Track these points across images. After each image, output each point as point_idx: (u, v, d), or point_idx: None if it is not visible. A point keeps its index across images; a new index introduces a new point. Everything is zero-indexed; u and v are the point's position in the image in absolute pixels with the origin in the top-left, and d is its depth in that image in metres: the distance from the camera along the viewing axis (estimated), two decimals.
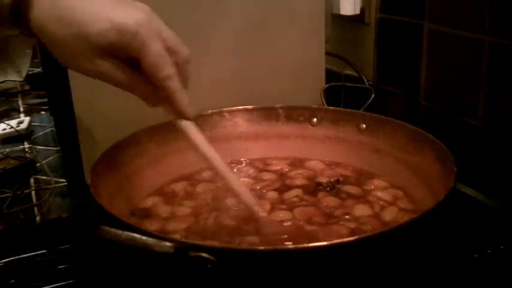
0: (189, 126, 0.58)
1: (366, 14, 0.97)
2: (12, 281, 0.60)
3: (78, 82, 0.73)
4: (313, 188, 0.68)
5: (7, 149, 0.98)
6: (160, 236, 0.46)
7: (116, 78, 0.53)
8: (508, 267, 0.59)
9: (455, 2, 0.78)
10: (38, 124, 1.10)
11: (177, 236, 0.58)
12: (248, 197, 0.59)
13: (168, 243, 0.43)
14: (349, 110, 0.76)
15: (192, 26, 0.76)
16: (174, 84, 0.54)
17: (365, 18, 0.98)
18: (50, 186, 0.82)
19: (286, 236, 0.56)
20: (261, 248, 0.51)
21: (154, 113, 0.75)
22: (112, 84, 0.54)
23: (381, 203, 0.64)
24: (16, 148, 0.99)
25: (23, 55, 1.36)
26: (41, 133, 1.06)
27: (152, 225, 0.60)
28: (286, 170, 0.73)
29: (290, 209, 0.63)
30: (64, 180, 0.83)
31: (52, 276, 0.61)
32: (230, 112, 0.77)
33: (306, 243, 0.49)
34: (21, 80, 1.38)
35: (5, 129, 1.04)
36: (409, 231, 0.50)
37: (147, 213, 0.63)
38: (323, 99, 0.84)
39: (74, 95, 0.73)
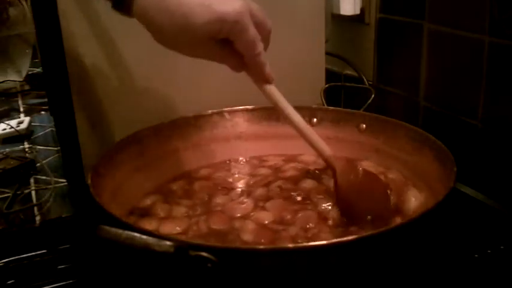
0: (272, 89, 0.63)
1: (366, 14, 0.97)
2: (12, 281, 0.60)
3: (78, 82, 0.73)
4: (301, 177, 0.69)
5: (7, 149, 0.98)
6: (160, 235, 0.46)
7: (212, 57, 0.59)
8: (508, 267, 0.59)
9: (455, 2, 0.78)
10: (38, 124, 1.10)
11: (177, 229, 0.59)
12: (325, 149, 0.64)
13: (168, 243, 0.43)
14: (349, 110, 0.76)
15: None
16: (262, 58, 0.60)
17: (365, 18, 0.98)
18: (50, 186, 0.82)
19: None
20: (261, 247, 0.51)
21: (154, 113, 0.75)
22: (205, 59, 0.59)
23: None
24: (16, 148, 0.99)
25: (23, 55, 1.36)
26: (41, 133, 1.06)
27: (151, 225, 0.60)
28: (281, 164, 0.74)
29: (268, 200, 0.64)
30: (64, 180, 0.83)
31: (52, 276, 0.61)
32: (230, 112, 0.77)
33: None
34: (21, 80, 1.38)
35: (5, 129, 1.04)
36: (409, 231, 0.50)
37: (145, 212, 0.63)
38: (323, 99, 0.84)
39: (74, 95, 0.73)
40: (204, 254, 0.43)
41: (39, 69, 1.38)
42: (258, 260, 0.46)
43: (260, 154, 0.76)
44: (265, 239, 0.56)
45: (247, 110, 0.77)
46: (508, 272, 0.58)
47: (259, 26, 0.58)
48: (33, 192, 0.81)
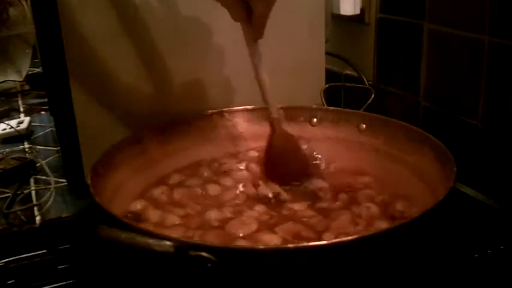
0: (256, 49, 0.66)
1: (366, 14, 0.97)
2: (12, 281, 0.60)
3: (78, 82, 0.73)
4: None
5: (7, 149, 0.98)
6: (160, 235, 0.46)
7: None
8: (508, 267, 0.59)
9: (455, 2, 0.78)
10: (38, 124, 1.10)
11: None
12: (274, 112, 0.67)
13: (168, 243, 0.43)
14: (349, 110, 0.76)
15: (193, 27, 0.76)
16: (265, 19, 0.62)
17: (365, 18, 0.98)
18: (50, 186, 0.82)
19: None
20: (261, 247, 0.51)
21: (154, 113, 0.75)
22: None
23: None
24: (16, 148, 0.99)
25: (23, 55, 1.36)
26: (41, 133, 1.06)
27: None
28: None
29: None
30: (64, 180, 0.83)
31: (52, 276, 0.61)
32: (230, 112, 0.77)
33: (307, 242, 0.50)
34: (21, 80, 1.37)
35: (5, 129, 1.04)
36: (409, 231, 0.50)
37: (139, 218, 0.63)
38: (323, 99, 0.84)
39: (74, 95, 0.73)
40: (204, 254, 0.43)
41: (39, 69, 1.37)
42: (258, 260, 0.46)
43: (260, 154, 0.76)
44: None
45: (247, 110, 0.77)
46: (508, 272, 0.58)
47: None
48: (33, 192, 0.81)
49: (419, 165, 0.65)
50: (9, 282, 0.60)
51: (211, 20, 0.77)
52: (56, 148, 0.96)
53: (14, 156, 0.92)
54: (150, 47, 0.75)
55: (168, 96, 0.78)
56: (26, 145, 1.00)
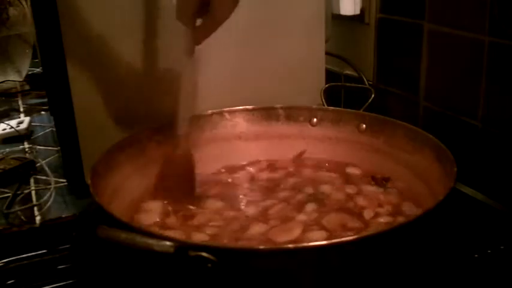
0: (192, 60, 0.62)
1: (366, 14, 0.97)
2: (12, 281, 0.60)
3: (78, 82, 0.73)
4: None
5: (7, 149, 0.98)
6: (160, 235, 0.46)
7: None
8: (508, 267, 0.59)
9: (455, 2, 0.78)
10: (38, 124, 1.10)
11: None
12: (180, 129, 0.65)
13: (168, 243, 0.43)
14: (349, 110, 0.76)
15: None
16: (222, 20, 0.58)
17: (365, 18, 0.98)
18: (50, 186, 0.82)
19: None
20: (261, 247, 0.51)
21: (154, 113, 0.75)
22: None
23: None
24: (16, 148, 0.99)
25: (23, 55, 1.36)
26: (41, 133, 1.06)
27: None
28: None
29: None
30: (64, 180, 0.83)
31: (52, 276, 0.61)
32: (230, 112, 0.77)
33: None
34: (21, 80, 1.38)
35: (5, 129, 1.04)
36: (409, 231, 0.50)
37: None
38: (323, 99, 0.84)
39: (74, 95, 0.73)
40: (204, 254, 0.43)
41: (39, 69, 1.38)
42: (258, 260, 0.46)
43: (261, 155, 0.76)
44: None
45: (247, 110, 0.77)
46: (508, 272, 0.58)
47: None
48: (33, 192, 0.81)
49: (419, 165, 0.65)
50: (9, 282, 0.60)
51: None
52: (56, 148, 0.96)
53: (14, 156, 0.92)
54: (150, 47, 0.75)
55: (168, 96, 0.78)
56: (26, 145, 1.00)
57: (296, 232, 0.57)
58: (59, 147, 0.85)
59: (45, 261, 0.64)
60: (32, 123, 1.09)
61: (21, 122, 1.07)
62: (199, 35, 0.61)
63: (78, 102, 0.74)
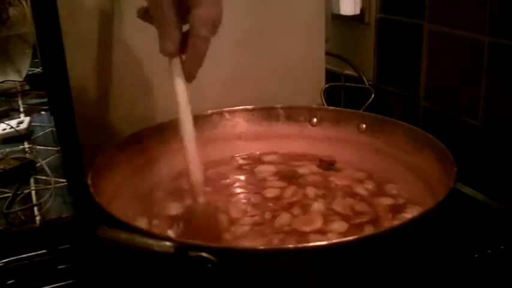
0: (182, 91, 0.60)
1: (366, 14, 0.97)
2: (12, 281, 0.60)
3: (78, 82, 0.73)
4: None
5: (7, 149, 0.98)
6: (161, 235, 0.46)
7: (160, 13, 0.54)
8: (508, 267, 0.59)
9: (455, 2, 0.78)
10: (38, 124, 1.10)
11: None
12: (197, 176, 0.56)
13: (168, 243, 0.43)
14: (349, 110, 0.76)
15: None
16: (206, 46, 0.55)
17: (365, 18, 0.98)
18: (50, 186, 0.82)
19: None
20: (261, 247, 0.51)
21: (154, 113, 0.75)
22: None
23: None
24: (16, 148, 0.99)
25: (23, 55, 1.36)
26: (41, 133, 1.06)
27: None
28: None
29: None
30: (64, 180, 0.83)
31: (52, 276, 0.61)
32: (230, 112, 0.77)
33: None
34: (21, 80, 1.38)
35: (5, 129, 1.04)
36: (410, 231, 0.50)
37: None
38: (323, 99, 0.84)
39: (74, 95, 0.73)
40: (204, 254, 0.43)
41: (39, 69, 1.38)
42: (258, 260, 0.46)
43: (260, 154, 0.76)
44: None
45: (247, 110, 0.77)
46: (508, 272, 0.58)
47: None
48: (33, 192, 0.81)
49: (419, 165, 0.65)
50: (9, 282, 0.60)
51: None
52: (56, 148, 0.96)
53: (14, 156, 0.92)
54: (150, 47, 0.75)
55: (168, 96, 0.78)
56: (26, 145, 1.00)
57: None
58: (59, 147, 0.86)
59: (45, 261, 0.64)
60: (32, 123, 1.09)
61: (21, 122, 1.07)
62: (188, 66, 0.59)
63: (78, 102, 0.74)
